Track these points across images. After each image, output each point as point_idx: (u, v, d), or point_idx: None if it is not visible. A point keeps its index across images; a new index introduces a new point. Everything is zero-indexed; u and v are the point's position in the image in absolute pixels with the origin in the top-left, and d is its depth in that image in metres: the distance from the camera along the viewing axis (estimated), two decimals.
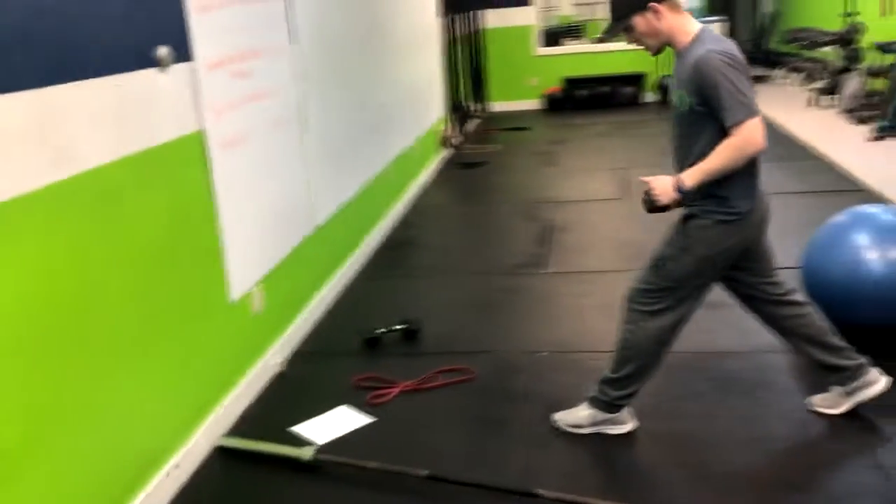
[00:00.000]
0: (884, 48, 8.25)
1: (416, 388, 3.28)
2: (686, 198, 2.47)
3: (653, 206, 2.58)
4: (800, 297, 2.77)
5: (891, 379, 2.75)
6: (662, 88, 10.29)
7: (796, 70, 10.96)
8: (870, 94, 8.41)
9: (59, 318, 2.17)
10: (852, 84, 8.55)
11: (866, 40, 8.76)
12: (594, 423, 2.80)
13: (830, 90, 9.17)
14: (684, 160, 2.54)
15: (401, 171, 6.07)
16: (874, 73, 8.42)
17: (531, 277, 4.49)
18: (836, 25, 9.14)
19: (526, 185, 6.67)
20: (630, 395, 2.76)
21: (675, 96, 2.57)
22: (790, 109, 9.08)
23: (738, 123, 2.34)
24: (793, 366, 3.19)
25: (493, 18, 10.39)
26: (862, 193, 5.46)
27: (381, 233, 5.37)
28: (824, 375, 2.82)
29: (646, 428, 2.83)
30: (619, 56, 10.54)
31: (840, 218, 3.43)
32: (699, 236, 2.55)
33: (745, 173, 2.47)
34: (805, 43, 10.71)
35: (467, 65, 9.01)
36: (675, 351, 3.26)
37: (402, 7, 6.30)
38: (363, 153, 5.10)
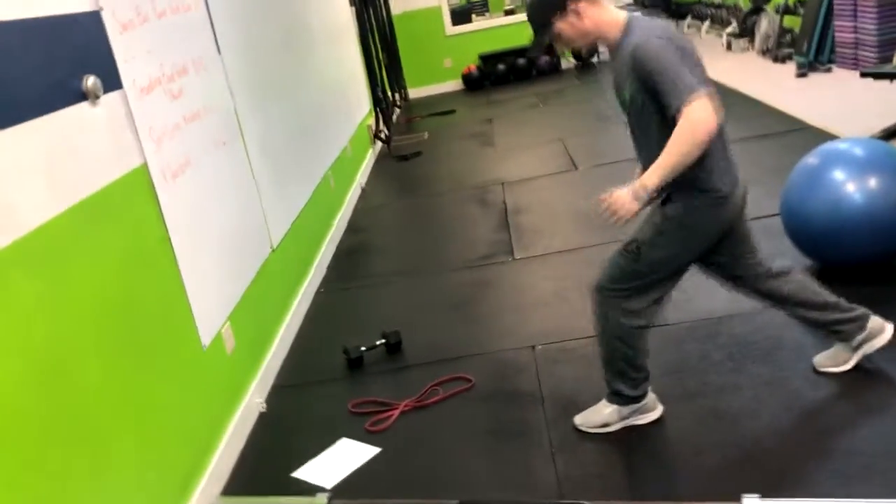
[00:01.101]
0: None
1: (416, 407, 3.06)
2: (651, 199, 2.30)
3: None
4: (786, 264, 2.62)
5: (893, 325, 2.65)
6: (578, 53, 10.23)
7: (704, 17, 11.05)
8: (782, 33, 8.51)
9: (15, 409, 1.85)
10: (764, 24, 8.63)
11: None
12: (622, 418, 2.63)
13: (743, 33, 9.26)
14: (649, 155, 2.34)
15: (340, 174, 5.78)
16: (783, 11, 8.51)
17: (500, 267, 4.30)
18: None
19: (468, 169, 6.46)
20: (644, 381, 2.60)
21: (622, 96, 2.37)
22: (709, 56, 9.02)
23: (680, 108, 2.15)
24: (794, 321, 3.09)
25: (400, 2, 10.10)
26: (809, 130, 5.45)
27: (332, 243, 5.09)
28: (828, 336, 2.70)
29: (675, 411, 2.67)
30: None
31: (812, 159, 3.38)
32: (680, 221, 2.38)
33: (718, 150, 2.31)
34: None
35: (383, 54, 8.72)
36: (675, 322, 3.13)
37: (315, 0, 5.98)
38: (305, 162, 4.81)
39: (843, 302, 2.64)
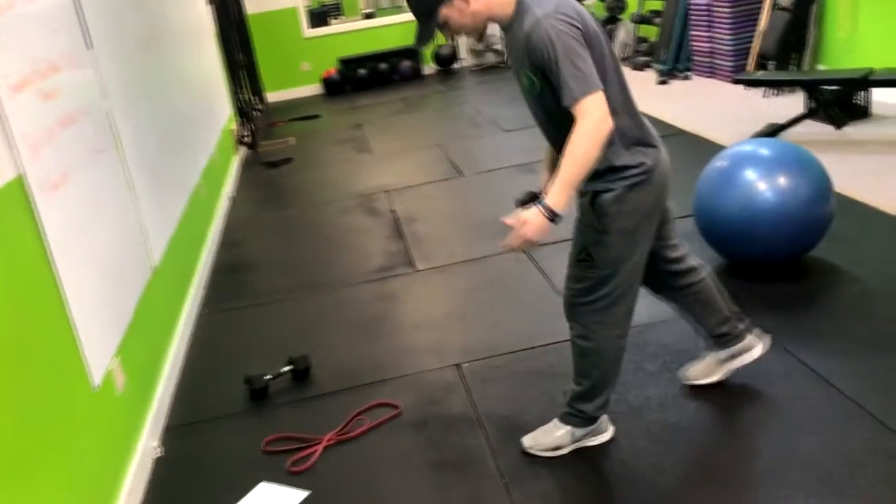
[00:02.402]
0: None
1: (340, 440, 2.76)
2: (559, 218, 2.09)
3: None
4: (695, 261, 2.56)
5: (768, 343, 2.67)
6: (440, 59, 10.15)
7: None
8: (639, 42, 8.80)
9: None
10: (622, 34, 8.90)
11: None
12: (575, 441, 2.47)
13: None
14: (560, 142, 2.16)
15: (210, 182, 5.33)
16: (638, 20, 8.80)
17: (403, 279, 4.06)
18: None
19: (347, 176, 6.16)
20: (607, 402, 2.46)
21: (522, 79, 2.18)
22: None
23: (575, 102, 2.00)
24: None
25: (254, 3, 9.60)
26: (684, 135, 5.60)
27: (209, 259, 4.66)
28: (709, 344, 2.67)
29: (625, 429, 2.55)
30: (393, 30, 10.25)
31: (721, 161, 3.43)
32: (612, 211, 2.21)
33: (628, 126, 2.17)
34: None
35: (242, 55, 8.23)
36: None
37: None
38: (178, 170, 4.36)
39: (737, 314, 2.62)
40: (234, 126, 7.16)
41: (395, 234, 4.69)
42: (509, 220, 2.14)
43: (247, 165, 6.96)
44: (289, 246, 4.88)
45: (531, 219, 2.08)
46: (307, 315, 3.84)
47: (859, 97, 5.38)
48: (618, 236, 2.23)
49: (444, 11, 2.14)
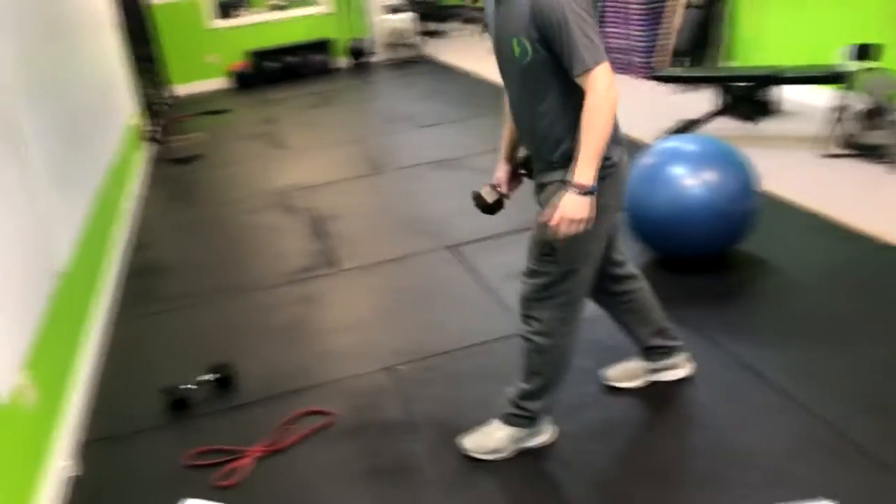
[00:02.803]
0: None
1: (271, 451, 2.64)
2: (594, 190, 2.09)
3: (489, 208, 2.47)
4: (635, 270, 2.58)
5: (694, 367, 2.71)
6: (354, 52, 9.99)
7: (471, 21, 11.28)
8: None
9: None
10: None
11: None
12: (516, 441, 2.43)
13: None
14: (532, 124, 2.18)
15: (117, 180, 5.05)
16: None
17: (327, 279, 3.94)
18: None
19: (261, 173, 5.95)
20: (554, 401, 2.43)
21: (511, 47, 2.11)
22: (483, 60, 9.27)
23: (587, 71, 1.99)
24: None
25: None
26: None
27: (118, 262, 4.41)
28: (638, 351, 2.69)
29: (565, 428, 2.52)
30: (302, 23, 10.01)
31: (649, 157, 3.45)
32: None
33: None
34: None
35: (146, 47, 7.87)
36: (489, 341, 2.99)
37: None
38: (82, 170, 4.09)
39: (670, 329, 2.65)
40: (139, 121, 6.83)
41: (314, 233, 4.56)
42: (549, 218, 2.10)
43: (155, 162, 6.65)
44: (203, 246, 4.67)
45: (571, 203, 2.05)
46: (227, 319, 3.67)
47: (770, 94, 5.55)
48: (582, 231, 2.20)
49: None
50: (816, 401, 2.49)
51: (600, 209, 2.16)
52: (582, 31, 1.98)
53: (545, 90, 2.11)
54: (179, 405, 2.96)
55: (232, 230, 4.87)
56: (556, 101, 2.12)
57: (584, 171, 2.04)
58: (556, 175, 2.18)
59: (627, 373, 2.71)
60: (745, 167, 3.31)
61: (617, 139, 2.21)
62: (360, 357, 3.16)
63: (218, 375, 3.06)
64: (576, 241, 2.17)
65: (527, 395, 2.39)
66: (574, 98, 2.07)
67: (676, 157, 3.35)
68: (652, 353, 2.66)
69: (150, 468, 2.66)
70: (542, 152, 2.21)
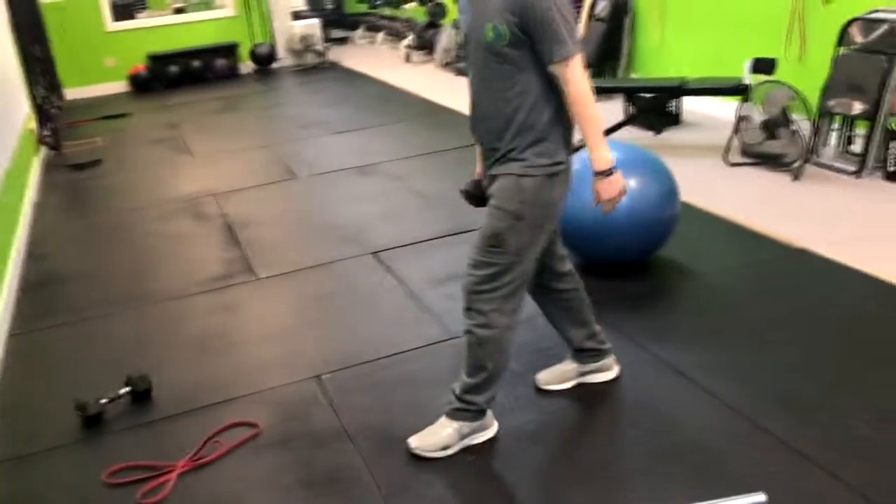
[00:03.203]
0: None
1: (195, 466, 2.52)
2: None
3: (477, 199, 2.47)
4: (572, 268, 2.63)
5: (619, 371, 2.77)
6: (258, 57, 9.79)
7: (378, 29, 11.26)
8: (460, 47, 8.95)
9: None
10: (444, 39, 9.01)
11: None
12: (462, 437, 2.43)
13: (422, 46, 9.58)
14: (498, 109, 2.20)
15: (11, 187, 4.76)
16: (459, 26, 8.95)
17: (244, 288, 3.82)
18: None
19: (167, 179, 5.74)
20: (496, 394, 2.44)
21: (484, 32, 2.14)
22: (392, 68, 9.29)
23: (566, 59, 2.09)
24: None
25: None
26: None
27: (15, 274, 4.15)
28: (570, 353, 2.75)
29: (501, 427, 2.52)
30: (206, 26, 9.77)
31: (573, 164, 3.48)
32: (531, 198, 2.23)
33: (562, 119, 2.23)
34: (379, 2, 11.04)
35: (37, 47, 7.47)
36: (458, 334, 2.96)
37: None
38: None
39: (601, 333, 2.71)
40: (33, 125, 6.48)
41: (229, 240, 4.42)
42: (598, 202, 2.30)
43: (50, 168, 6.31)
44: (107, 256, 4.44)
45: (603, 187, 2.25)
46: (139, 331, 3.50)
47: (672, 104, 5.76)
48: (530, 223, 2.25)
49: None
50: (737, 397, 2.58)
51: (548, 204, 2.24)
52: (566, 20, 2.09)
53: (517, 76, 2.15)
54: (94, 421, 2.80)
55: (138, 238, 4.66)
56: (528, 88, 2.16)
57: (598, 157, 2.21)
58: (511, 167, 2.22)
59: (559, 375, 2.74)
60: (666, 174, 3.41)
61: (568, 140, 2.28)
62: (283, 367, 3.08)
63: (133, 389, 2.92)
64: (523, 232, 2.22)
65: (471, 389, 2.39)
66: (545, 87, 2.15)
67: None
68: (583, 355, 2.70)
69: (68, 488, 2.50)
70: (502, 141, 2.23)
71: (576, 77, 2.11)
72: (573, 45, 2.09)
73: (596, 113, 2.17)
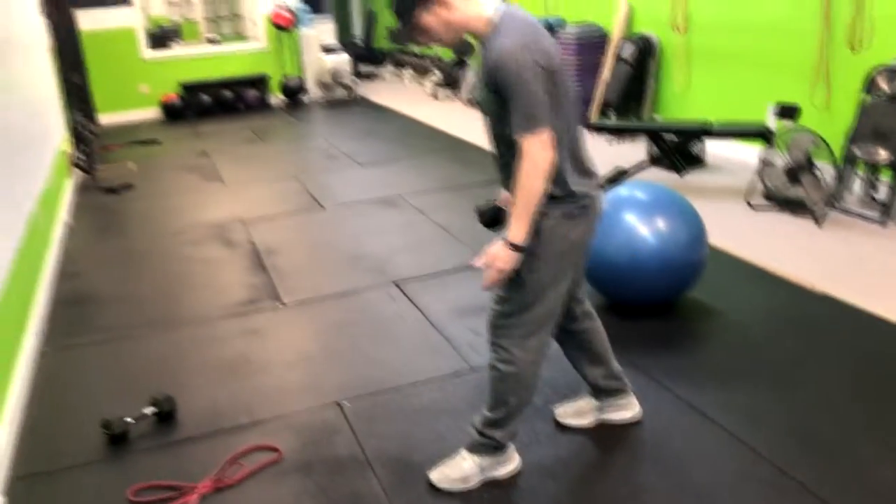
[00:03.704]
0: None
1: (217, 488, 2.56)
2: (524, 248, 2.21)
3: (490, 220, 2.49)
4: (590, 309, 2.66)
5: (641, 410, 2.77)
6: (288, 90, 9.97)
7: (405, 65, 11.44)
8: None
9: None
10: (470, 76, 9.14)
11: None
12: (483, 471, 2.45)
13: (448, 84, 9.73)
14: (506, 165, 2.26)
15: (46, 208, 4.88)
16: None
17: (269, 314, 3.88)
18: None
19: (197, 205, 5.85)
20: (517, 430, 2.46)
21: (481, 98, 2.26)
22: (418, 103, 9.43)
23: (521, 137, 2.10)
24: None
25: (89, 20, 9.01)
26: None
27: (46, 292, 4.24)
28: (590, 390, 2.76)
29: (539, 455, 2.55)
30: (238, 58, 9.98)
31: (607, 206, 3.51)
32: (547, 238, 2.26)
33: (570, 160, 2.25)
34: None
35: (75, 73, 7.67)
36: (478, 367, 3.01)
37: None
38: (15, 193, 3.95)
39: (621, 373, 2.73)
40: (68, 148, 6.63)
41: (256, 267, 4.49)
42: (479, 262, 2.26)
43: (83, 190, 6.46)
44: (136, 278, 4.53)
45: (499, 253, 2.20)
46: (165, 352, 3.57)
47: (696, 147, 5.81)
48: (548, 263, 2.28)
49: (424, 15, 2.18)
50: (759, 440, 2.59)
51: (567, 243, 2.26)
52: (526, 98, 2.07)
53: (510, 139, 2.18)
54: (119, 439, 2.85)
55: (168, 262, 4.75)
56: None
57: (516, 230, 2.17)
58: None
59: (577, 411, 2.76)
60: (695, 216, 3.42)
61: (590, 175, 2.32)
62: (306, 392, 3.12)
63: (158, 409, 2.97)
64: (541, 271, 2.25)
65: (491, 423, 2.41)
66: (555, 136, 2.16)
67: (629, 204, 3.40)
68: (602, 393, 2.72)
69: None
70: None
71: (531, 152, 2.10)
72: (530, 124, 2.08)
73: (537, 190, 2.13)
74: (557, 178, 2.22)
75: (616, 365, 2.72)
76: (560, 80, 2.15)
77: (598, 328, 2.66)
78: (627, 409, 2.76)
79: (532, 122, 2.08)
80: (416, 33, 2.24)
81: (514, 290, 2.30)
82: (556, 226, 2.26)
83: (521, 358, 2.33)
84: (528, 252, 2.26)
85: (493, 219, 2.49)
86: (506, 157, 2.26)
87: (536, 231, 2.25)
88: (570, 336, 2.63)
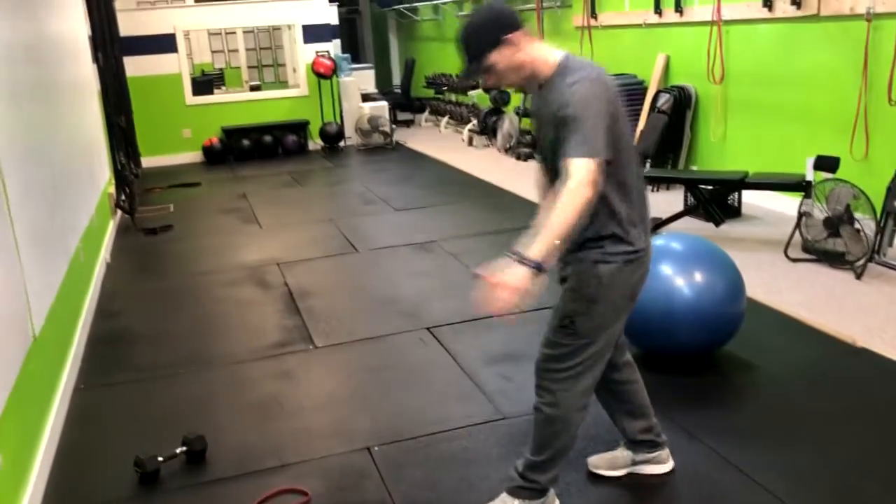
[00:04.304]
0: None
1: None
2: (541, 269, 2.06)
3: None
4: (631, 359, 2.63)
5: (673, 465, 2.72)
6: (327, 136, 10.14)
7: (443, 113, 11.59)
8: (522, 133, 9.15)
9: None
10: (506, 125, 9.23)
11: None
12: None
13: (484, 131, 9.83)
14: None
15: (88, 246, 4.99)
16: (522, 114, 9.17)
17: (302, 356, 3.90)
18: None
19: (233, 247, 5.94)
20: (558, 474, 2.44)
21: (546, 139, 2.25)
22: (454, 150, 9.53)
23: (570, 160, 2.06)
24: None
25: (134, 67, 9.30)
26: None
27: (84, 329, 4.31)
28: (625, 443, 2.72)
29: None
30: (278, 104, 10.20)
31: None
32: (608, 283, 2.25)
33: (637, 207, 2.27)
34: (446, 87, 11.40)
35: (121, 117, 7.90)
36: (514, 415, 2.97)
37: (61, 44, 5.19)
38: (60, 234, 4.05)
39: (657, 426, 2.69)
40: (111, 189, 6.80)
41: (289, 309, 4.53)
42: (486, 275, 2.06)
43: (123, 231, 6.60)
44: (173, 317, 4.59)
45: (511, 272, 2.04)
46: (198, 392, 3.59)
47: (733, 198, 5.78)
48: (605, 308, 2.28)
49: (494, 56, 2.20)
50: (795, 497, 2.52)
51: (626, 288, 2.28)
52: (588, 124, 2.07)
53: None
54: (150, 478, 2.86)
55: (204, 302, 4.81)
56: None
57: (537, 246, 2.05)
58: (589, 255, 2.26)
59: (611, 462, 2.71)
60: (733, 269, 3.37)
61: (643, 225, 2.31)
62: (336, 436, 3.11)
63: (189, 448, 2.98)
64: (596, 316, 2.25)
65: (534, 467, 2.39)
66: (616, 179, 2.19)
67: (666, 255, 3.35)
68: (638, 446, 2.68)
69: None
70: (579, 232, 2.26)
71: (575, 176, 2.04)
72: (581, 149, 2.05)
73: (568, 214, 2.04)
74: (629, 223, 2.24)
75: (654, 418, 2.68)
76: (620, 120, 2.18)
77: (639, 380, 2.63)
78: (662, 463, 2.70)
79: (587, 147, 2.06)
80: (484, 72, 2.27)
81: (569, 334, 2.29)
82: (618, 271, 2.25)
83: (567, 402, 2.32)
84: (588, 298, 2.26)
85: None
86: None
87: (598, 276, 2.25)
88: (609, 386, 2.59)
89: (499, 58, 2.22)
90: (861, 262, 4.49)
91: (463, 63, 2.30)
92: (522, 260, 2.04)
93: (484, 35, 2.22)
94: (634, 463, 2.70)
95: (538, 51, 2.24)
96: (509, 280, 2.04)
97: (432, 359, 3.75)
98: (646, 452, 2.68)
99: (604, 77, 2.18)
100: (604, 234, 2.24)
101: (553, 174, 2.28)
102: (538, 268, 2.04)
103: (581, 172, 2.05)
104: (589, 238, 2.25)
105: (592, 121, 2.08)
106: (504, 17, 2.23)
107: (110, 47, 7.66)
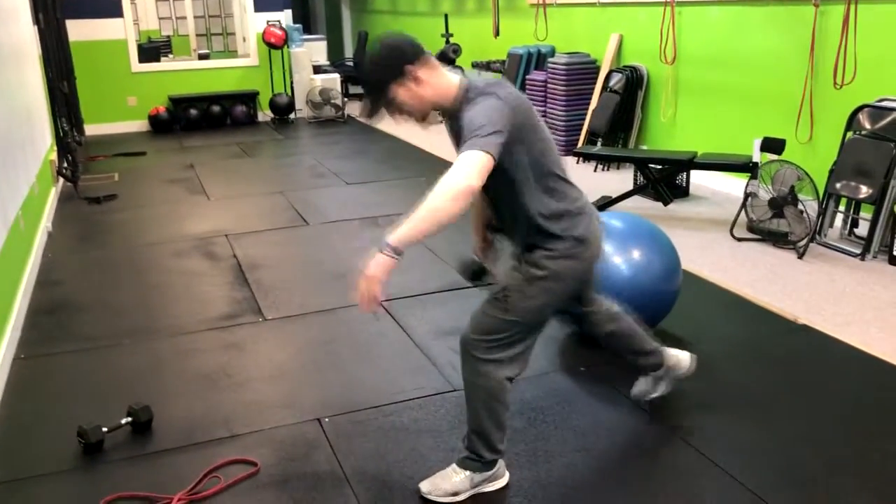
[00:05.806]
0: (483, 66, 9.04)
1: (192, 500, 2.52)
2: (397, 252, 2.04)
3: (473, 275, 2.59)
4: (615, 308, 2.74)
5: (695, 356, 2.91)
6: (277, 107, 9.97)
7: None
8: None
9: None
10: None
11: (467, 61, 9.49)
12: (473, 486, 2.46)
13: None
14: (514, 230, 2.38)
15: (29, 214, 4.84)
16: None
17: (251, 328, 3.85)
18: (438, 45, 9.75)
19: (180, 218, 5.81)
20: (503, 446, 2.46)
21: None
22: (406, 125, 9.43)
23: (460, 152, 2.03)
24: (575, 382, 3.17)
25: (77, 31, 9.00)
26: None
27: (24, 298, 4.19)
28: (643, 371, 2.88)
29: (518, 477, 2.55)
30: (228, 73, 9.99)
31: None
32: (546, 269, 2.31)
33: (562, 200, 2.31)
34: None
35: (64, 83, 7.65)
36: (461, 388, 3.02)
37: None
38: (1, 200, 3.91)
39: (659, 348, 2.83)
40: (53, 156, 6.59)
41: (238, 281, 4.47)
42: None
43: (65, 199, 6.41)
44: (117, 288, 4.49)
45: (371, 261, 2.07)
46: (142, 363, 3.53)
47: (681, 178, 5.87)
48: (539, 291, 2.32)
49: (395, 89, 2.15)
50: (740, 471, 2.58)
51: (560, 279, 2.32)
52: (480, 130, 2.03)
53: (507, 191, 2.28)
54: (94, 448, 2.80)
55: (149, 273, 4.71)
56: (524, 189, 2.26)
57: (399, 231, 2.04)
58: (534, 256, 2.32)
59: (648, 387, 2.90)
60: (670, 247, 3.44)
61: (581, 215, 2.34)
62: (285, 408, 3.09)
63: (135, 419, 2.93)
64: (528, 297, 2.30)
65: (475, 440, 2.42)
66: (541, 181, 2.26)
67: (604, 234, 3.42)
68: (650, 369, 2.85)
69: None
70: (523, 237, 2.38)
71: (458, 168, 2.00)
72: (484, 142, 2.01)
73: (439, 207, 2.00)
74: (568, 219, 2.30)
75: (652, 345, 2.80)
76: (540, 133, 2.22)
77: (622, 327, 2.73)
78: (683, 361, 2.89)
79: (477, 144, 2.01)
80: (387, 107, 2.21)
81: (500, 308, 2.32)
82: (556, 260, 2.30)
83: (492, 373, 2.34)
84: (524, 277, 2.31)
85: (478, 272, 2.57)
86: (510, 220, 2.35)
87: (534, 261, 2.30)
88: (604, 338, 2.77)
89: (401, 91, 2.17)
90: (803, 242, 4.61)
91: (364, 100, 2.27)
92: (389, 246, 2.03)
93: (384, 69, 2.17)
94: (661, 378, 2.86)
95: (440, 79, 2.20)
96: (370, 270, 2.06)
97: (384, 332, 3.74)
98: (659, 369, 2.84)
99: (505, 95, 2.13)
100: (547, 234, 2.29)
101: (490, 201, 2.38)
102: (396, 252, 2.03)
103: (460, 165, 2.00)
104: (529, 244, 2.33)
105: (489, 128, 2.04)
106: (404, 48, 2.18)
107: (52, 9, 7.40)
